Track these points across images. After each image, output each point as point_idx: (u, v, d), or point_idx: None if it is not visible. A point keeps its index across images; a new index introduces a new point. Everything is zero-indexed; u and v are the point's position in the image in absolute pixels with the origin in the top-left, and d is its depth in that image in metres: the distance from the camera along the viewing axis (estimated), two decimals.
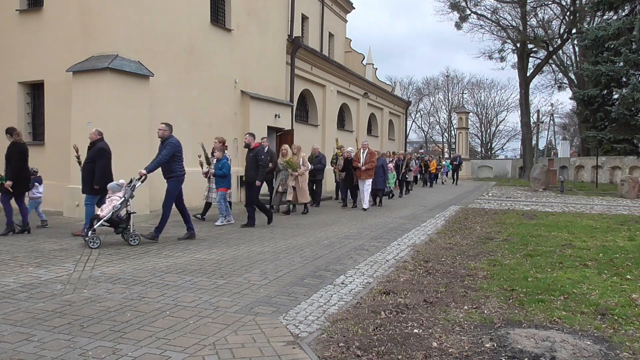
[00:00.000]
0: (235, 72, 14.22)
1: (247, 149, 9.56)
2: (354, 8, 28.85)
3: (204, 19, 12.97)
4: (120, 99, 10.41)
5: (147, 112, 10.99)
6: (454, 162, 28.67)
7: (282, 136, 16.43)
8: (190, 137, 11.65)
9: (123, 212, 7.33)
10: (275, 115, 15.89)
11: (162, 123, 7.96)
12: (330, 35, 26.25)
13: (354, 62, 28.42)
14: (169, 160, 7.54)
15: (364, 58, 29.55)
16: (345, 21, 28.69)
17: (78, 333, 3.65)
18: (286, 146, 11.98)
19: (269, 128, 15.70)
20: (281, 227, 9.41)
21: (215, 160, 10.06)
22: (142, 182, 7.41)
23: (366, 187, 12.76)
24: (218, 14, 13.81)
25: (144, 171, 7.33)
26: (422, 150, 32.44)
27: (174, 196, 7.69)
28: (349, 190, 13.64)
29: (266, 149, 11.74)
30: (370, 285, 5.18)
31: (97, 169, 7.71)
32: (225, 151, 10.25)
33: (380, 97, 28.10)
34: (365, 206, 12.74)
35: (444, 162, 29.51)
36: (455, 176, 28.24)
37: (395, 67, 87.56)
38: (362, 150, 12.85)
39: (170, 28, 11.81)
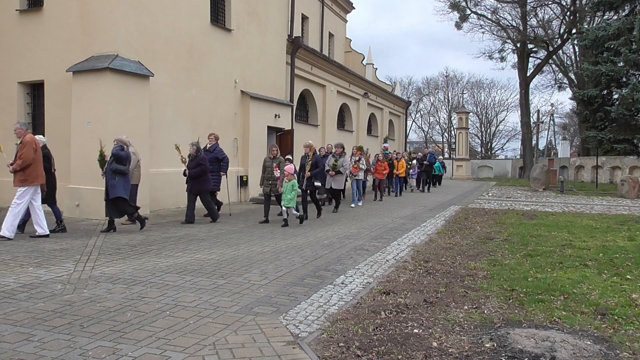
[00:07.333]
0: (235, 72, 14.22)
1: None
2: (354, 8, 28.85)
3: (204, 19, 12.97)
4: (120, 99, 10.41)
5: (147, 112, 11.00)
6: (424, 162, 20.78)
7: (282, 136, 16.44)
8: (190, 137, 11.64)
9: None
10: (275, 115, 15.90)
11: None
12: (330, 35, 26.25)
13: (354, 62, 28.41)
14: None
15: (364, 58, 29.55)
16: (345, 21, 28.69)
17: (78, 333, 3.65)
18: None
19: (269, 128, 15.71)
20: (281, 227, 9.40)
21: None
22: None
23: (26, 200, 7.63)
24: (218, 14, 13.81)
25: None
26: (386, 145, 19.14)
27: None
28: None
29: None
30: (370, 285, 5.18)
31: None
32: None
33: (380, 97, 28.11)
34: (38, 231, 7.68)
35: (414, 162, 20.83)
36: (427, 181, 20.84)
37: (385, 66, 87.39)
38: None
39: (170, 28, 11.81)
